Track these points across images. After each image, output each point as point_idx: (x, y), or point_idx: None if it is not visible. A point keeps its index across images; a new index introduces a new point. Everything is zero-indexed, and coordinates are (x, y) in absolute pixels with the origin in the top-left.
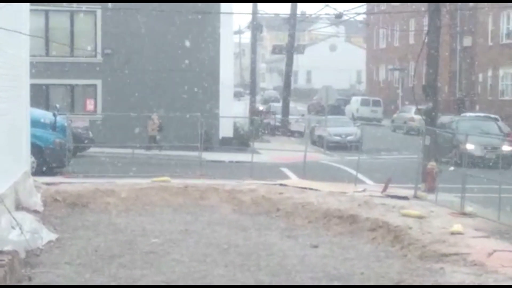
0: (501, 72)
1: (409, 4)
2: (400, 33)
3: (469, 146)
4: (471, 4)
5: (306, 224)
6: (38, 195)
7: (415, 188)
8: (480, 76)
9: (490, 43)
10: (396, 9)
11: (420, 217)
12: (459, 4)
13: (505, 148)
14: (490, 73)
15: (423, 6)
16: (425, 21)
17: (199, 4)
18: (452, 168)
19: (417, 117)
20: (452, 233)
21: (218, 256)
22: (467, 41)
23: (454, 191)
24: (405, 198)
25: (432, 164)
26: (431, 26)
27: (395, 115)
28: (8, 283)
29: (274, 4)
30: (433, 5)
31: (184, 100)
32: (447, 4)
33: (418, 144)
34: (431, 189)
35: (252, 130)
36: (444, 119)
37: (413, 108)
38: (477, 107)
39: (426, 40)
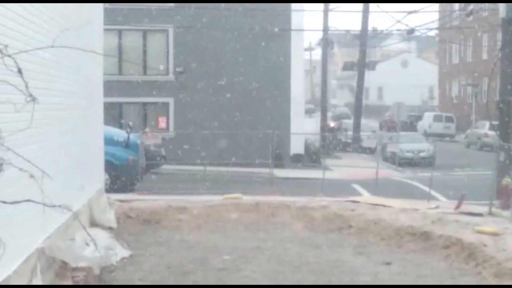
0: None
1: (481, 19)
2: (473, 48)
3: None
4: None
5: (379, 241)
6: (112, 212)
7: (489, 205)
8: None
9: None
10: (468, 24)
11: (495, 234)
12: None
13: None
14: None
15: (496, 21)
16: (499, 36)
17: (270, 21)
18: None
19: (491, 133)
20: None
21: (290, 273)
22: None
23: None
24: (479, 215)
25: (507, 180)
26: (504, 41)
27: (468, 131)
28: None
29: (345, 21)
30: (505, 19)
31: (256, 117)
32: None
33: (493, 160)
34: (506, 206)
35: (323, 146)
36: None
37: (487, 124)
38: None
39: (499, 55)
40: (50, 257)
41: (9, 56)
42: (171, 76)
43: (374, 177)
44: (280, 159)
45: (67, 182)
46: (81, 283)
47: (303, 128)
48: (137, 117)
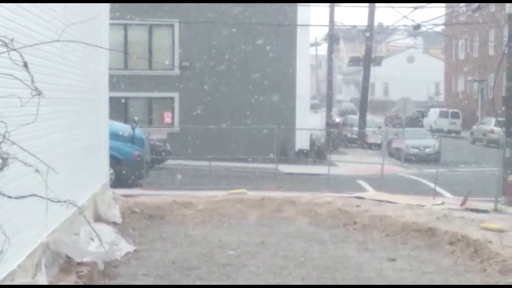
0: None
1: (488, 15)
2: (480, 44)
3: None
4: None
5: (384, 237)
6: (117, 207)
7: (495, 202)
8: None
9: None
10: (475, 20)
11: (500, 231)
12: None
13: None
14: None
15: (503, 17)
16: (505, 31)
17: (276, 16)
18: None
19: (497, 129)
20: None
21: (295, 269)
22: None
23: None
24: (485, 211)
25: None
26: (511, 37)
27: (474, 127)
28: None
29: (351, 16)
30: None
31: (261, 112)
32: None
33: (498, 157)
34: (511, 202)
35: (328, 142)
36: None
37: (493, 120)
38: None
39: (506, 51)
40: (55, 252)
41: (15, 50)
42: (176, 71)
43: (379, 173)
44: (285, 154)
45: (72, 177)
46: (86, 278)
47: (308, 124)
48: (143, 112)
